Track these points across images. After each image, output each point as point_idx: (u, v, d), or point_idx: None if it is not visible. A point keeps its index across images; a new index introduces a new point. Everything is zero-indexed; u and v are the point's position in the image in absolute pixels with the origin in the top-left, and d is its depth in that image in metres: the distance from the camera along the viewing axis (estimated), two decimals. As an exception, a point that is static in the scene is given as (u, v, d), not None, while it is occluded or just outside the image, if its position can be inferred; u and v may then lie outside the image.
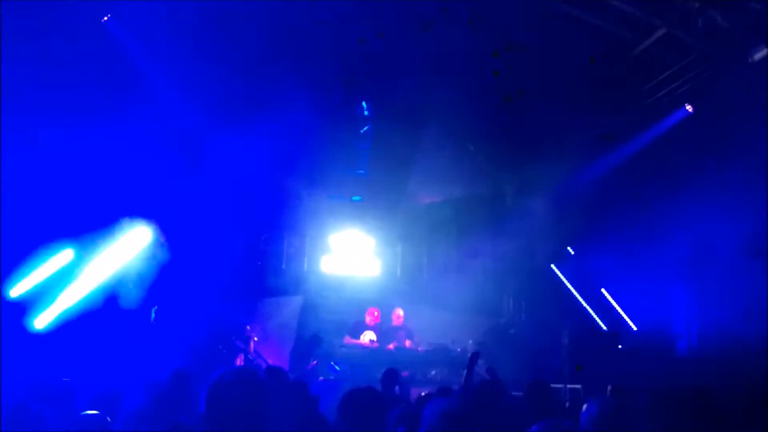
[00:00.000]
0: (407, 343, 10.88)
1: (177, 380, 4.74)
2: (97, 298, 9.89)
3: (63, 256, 9.85)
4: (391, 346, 10.69)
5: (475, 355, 7.05)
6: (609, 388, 5.01)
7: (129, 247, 10.38)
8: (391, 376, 7.53)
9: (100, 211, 9.95)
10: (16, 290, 9.52)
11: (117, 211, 10.18)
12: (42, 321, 9.53)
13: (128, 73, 9.74)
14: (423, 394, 6.01)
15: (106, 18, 9.34)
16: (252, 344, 10.42)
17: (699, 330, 10.50)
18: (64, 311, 9.67)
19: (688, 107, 10.36)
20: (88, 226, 9.91)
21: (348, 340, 10.79)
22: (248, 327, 10.52)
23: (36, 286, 9.57)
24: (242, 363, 9.99)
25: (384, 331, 11.08)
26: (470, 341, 11.02)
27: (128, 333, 9.62)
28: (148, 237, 10.48)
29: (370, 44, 9.26)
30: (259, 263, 12.26)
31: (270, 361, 10.38)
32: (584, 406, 3.40)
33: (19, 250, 9.32)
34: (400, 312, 11.25)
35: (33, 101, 8.87)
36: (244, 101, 10.42)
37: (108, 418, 3.87)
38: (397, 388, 7.86)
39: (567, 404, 6.68)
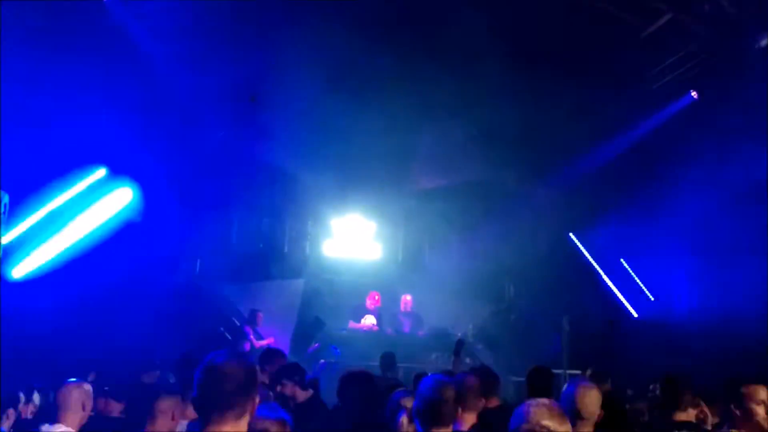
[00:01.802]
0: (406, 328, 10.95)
1: (185, 364, 4.74)
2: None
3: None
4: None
5: (460, 342, 7.21)
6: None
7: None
8: (389, 359, 7.57)
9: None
10: (19, 270, 9.53)
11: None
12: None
13: (132, 57, 9.68)
14: (416, 374, 6.07)
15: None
16: (255, 327, 10.45)
17: (700, 316, 10.51)
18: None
19: (694, 93, 10.31)
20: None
21: (352, 324, 10.84)
22: (257, 312, 10.53)
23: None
24: (247, 346, 10.03)
25: (390, 315, 11.11)
26: (470, 326, 11.06)
27: (130, 317, 9.63)
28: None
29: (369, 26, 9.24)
30: (261, 246, 12.27)
31: (271, 342, 10.45)
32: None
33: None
34: (408, 298, 11.27)
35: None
36: (244, 83, 10.36)
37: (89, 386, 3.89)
38: (400, 370, 7.90)
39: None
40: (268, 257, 12.17)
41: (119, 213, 10.31)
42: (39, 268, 9.68)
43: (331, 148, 11.69)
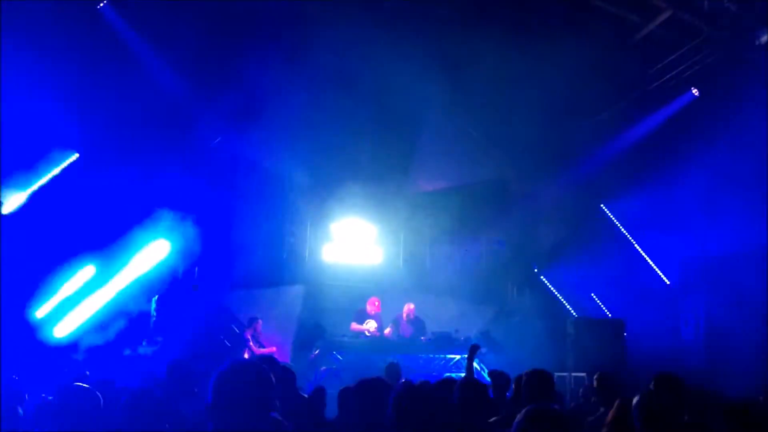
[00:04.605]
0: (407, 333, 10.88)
1: (176, 371, 4.66)
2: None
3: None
4: (387, 331, 10.68)
5: (474, 348, 7.01)
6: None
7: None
8: (394, 370, 7.49)
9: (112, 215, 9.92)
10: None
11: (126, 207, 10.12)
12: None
13: (132, 64, 9.63)
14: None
15: (102, 4, 9.24)
16: (255, 335, 10.34)
17: (705, 316, 10.40)
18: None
19: (694, 91, 10.23)
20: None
21: (354, 326, 10.75)
22: (257, 319, 10.42)
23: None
24: (247, 354, 9.91)
25: (392, 320, 11.00)
26: (474, 330, 10.95)
27: (129, 323, 9.56)
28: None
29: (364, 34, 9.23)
30: (260, 252, 12.15)
31: (273, 351, 10.34)
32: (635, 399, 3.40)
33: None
34: (411, 307, 11.15)
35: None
36: (245, 89, 10.28)
37: (98, 393, 3.80)
38: (403, 380, 7.76)
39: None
40: (267, 263, 12.05)
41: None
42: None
43: (329, 152, 11.63)
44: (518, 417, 2.64)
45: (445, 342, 10.59)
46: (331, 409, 5.07)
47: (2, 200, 8.84)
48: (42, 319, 9.39)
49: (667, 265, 11.34)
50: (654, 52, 10.16)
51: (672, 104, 10.55)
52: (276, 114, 10.19)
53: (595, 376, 5.35)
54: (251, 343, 10.07)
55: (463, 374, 8.47)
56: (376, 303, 11.09)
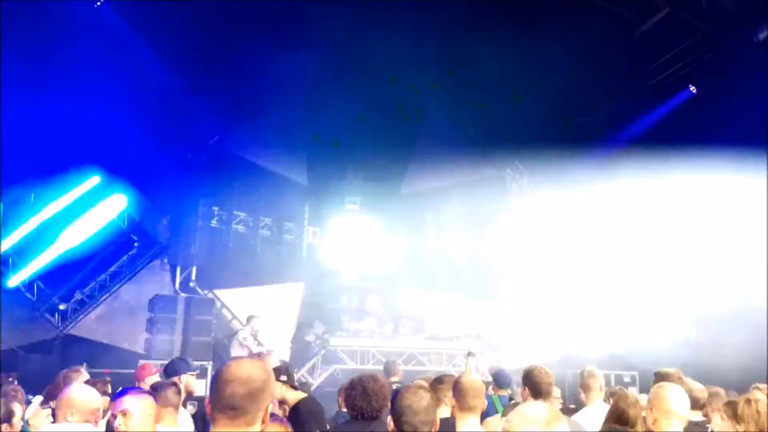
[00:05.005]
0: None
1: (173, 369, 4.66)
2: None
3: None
4: (385, 329, 10.71)
5: (471, 354, 7.12)
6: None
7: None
8: (391, 365, 7.51)
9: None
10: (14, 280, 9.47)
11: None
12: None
13: (129, 63, 9.62)
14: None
15: (99, 3, 9.24)
16: (253, 333, 10.35)
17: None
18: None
19: (692, 88, 10.23)
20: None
21: (352, 324, 10.77)
22: (255, 318, 10.42)
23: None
24: (245, 352, 9.92)
25: (391, 318, 11.03)
26: (472, 328, 10.98)
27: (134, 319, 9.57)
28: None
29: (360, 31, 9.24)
30: (259, 251, 12.17)
31: (271, 349, 10.35)
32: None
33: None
34: (409, 301, 11.17)
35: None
36: (243, 88, 10.28)
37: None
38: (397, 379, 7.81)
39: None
40: (266, 261, 12.06)
41: (113, 221, 10.24)
42: (34, 275, 9.67)
43: (328, 150, 11.63)
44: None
45: (444, 339, 10.62)
46: (330, 408, 5.11)
47: None
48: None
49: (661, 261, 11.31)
50: (652, 50, 10.16)
51: (670, 101, 10.56)
52: (275, 112, 10.18)
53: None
54: (249, 342, 10.07)
55: (460, 371, 8.51)
56: (375, 300, 11.11)
